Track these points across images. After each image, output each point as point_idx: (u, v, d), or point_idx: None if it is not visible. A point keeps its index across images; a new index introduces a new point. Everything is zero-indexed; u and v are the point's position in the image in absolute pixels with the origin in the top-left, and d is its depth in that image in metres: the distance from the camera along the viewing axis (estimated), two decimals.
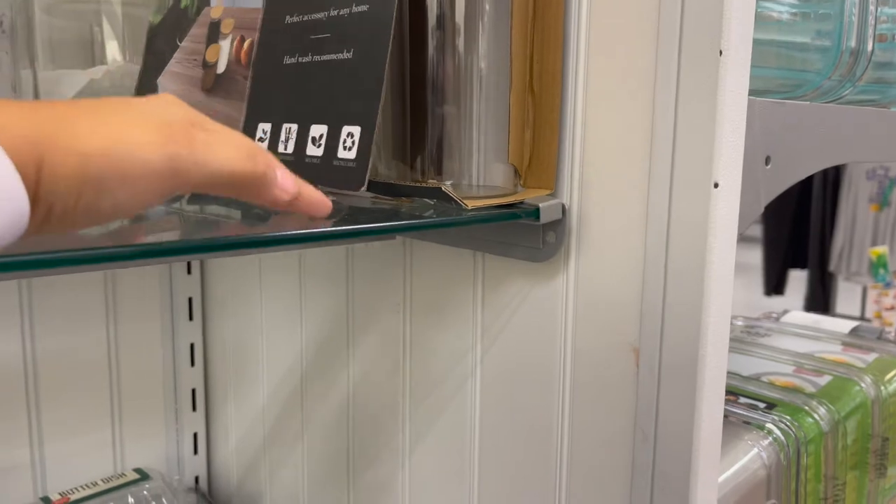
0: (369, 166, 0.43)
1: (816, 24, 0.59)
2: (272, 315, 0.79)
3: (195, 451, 0.94)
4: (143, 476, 0.83)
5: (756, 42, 0.42)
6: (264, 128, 0.50)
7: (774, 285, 3.26)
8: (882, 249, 2.79)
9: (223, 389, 0.91)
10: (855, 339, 0.86)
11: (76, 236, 0.33)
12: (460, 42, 0.49)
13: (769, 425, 0.59)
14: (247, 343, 0.84)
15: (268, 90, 0.51)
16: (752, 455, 0.56)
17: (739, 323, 0.91)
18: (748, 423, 0.60)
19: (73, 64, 0.71)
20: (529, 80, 0.48)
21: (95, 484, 0.81)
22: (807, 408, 0.64)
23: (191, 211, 0.53)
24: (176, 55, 0.59)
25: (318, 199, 0.33)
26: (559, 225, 0.48)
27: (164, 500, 0.82)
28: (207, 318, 0.92)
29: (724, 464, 0.54)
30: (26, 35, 0.64)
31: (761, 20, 0.55)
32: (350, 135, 0.44)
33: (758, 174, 0.47)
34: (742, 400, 0.64)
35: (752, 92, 0.43)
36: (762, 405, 0.63)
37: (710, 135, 0.41)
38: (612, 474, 0.49)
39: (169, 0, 0.63)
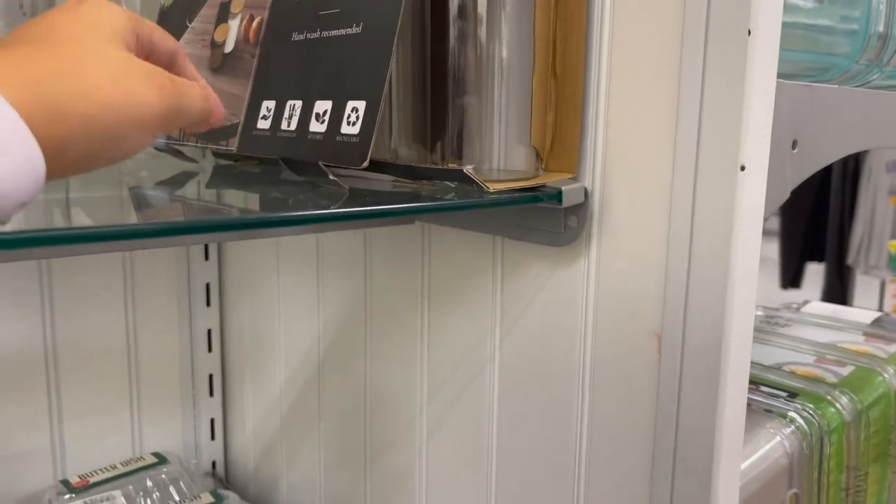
0: (373, 142, 0.42)
1: (844, 8, 0.58)
2: (289, 301, 0.79)
3: (212, 437, 0.94)
4: (161, 460, 0.84)
5: (782, 24, 0.42)
6: (268, 105, 0.50)
7: (791, 278, 3.23)
8: None
9: (240, 375, 0.91)
10: (877, 329, 0.84)
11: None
12: (482, 29, 0.49)
13: (792, 414, 0.59)
14: (264, 329, 0.84)
15: (274, 68, 0.51)
16: (775, 443, 0.56)
17: (759, 313, 0.90)
18: (770, 411, 0.59)
19: None
20: (552, 63, 0.47)
21: (114, 467, 0.82)
22: (829, 397, 0.63)
23: (208, 199, 0.53)
24: (185, 36, 0.59)
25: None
26: (581, 209, 0.48)
27: (181, 483, 0.82)
28: (225, 303, 0.92)
29: (746, 452, 0.54)
30: None
31: (788, 2, 0.54)
32: (354, 109, 0.43)
33: (785, 158, 0.46)
34: (763, 389, 0.64)
35: (778, 75, 0.43)
36: (784, 394, 0.63)
37: (737, 116, 0.40)
38: (632, 461, 0.48)
39: None
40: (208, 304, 0.91)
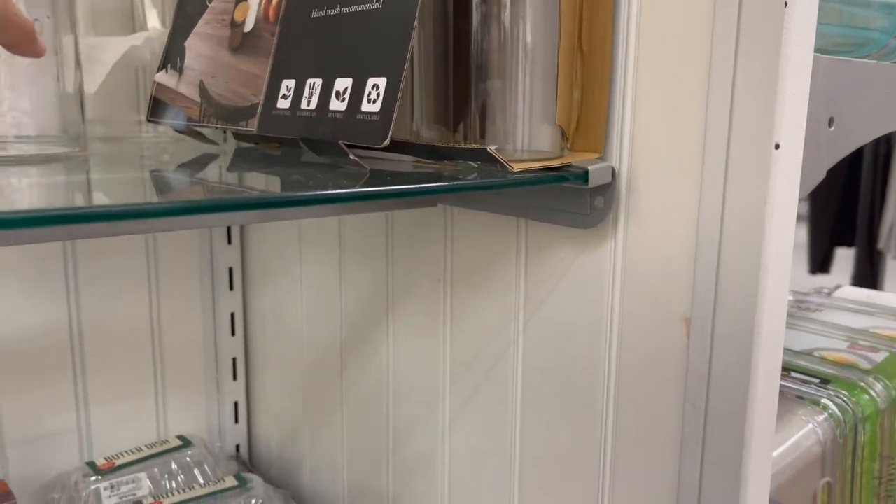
0: (394, 120, 0.41)
1: None
2: (311, 285, 0.79)
3: (236, 420, 0.94)
4: (186, 443, 0.84)
5: None
6: (288, 84, 0.49)
7: (820, 263, 3.18)
8: None
9: (263, 359, 0.91)
10: None
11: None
12: (506, 5, 0.47)
13: (825, 401, 0.57)
14: (286, 313, 0.84)
15: (294, 46, 0.50)
16: (807, 431, 0.54)
17: (789, 298, 0.88)
18: (802, 398, 0.58)
19: (115, 31, 0.71)
20: (578, 38, 0.46)
21: (139, 450, 0.82)
22: (863, 384, 0.61)
23: (229, 181, 0.52)
24: (205, 16, 0.58)
25: None
26: (608, 189, 0.46)
27: (206, 466, 0.83)
28: (248, 287, 0.92)
29: (778, 439, 0.52)
30: (68, 1, 0.64)
31: None
32: (375, 87, 0.42)
33: (821, 136, 0.44)
34: (795, 375, 0.62)
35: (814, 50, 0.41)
36: (816, 381, 0.61)
37: (772, 92, 0.39)
38: (659, 448, 0.47)
39: None
40: (231, 287, 0.91)
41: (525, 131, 0.48)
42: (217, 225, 0.86)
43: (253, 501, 0.74)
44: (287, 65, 0.50)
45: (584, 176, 0.44)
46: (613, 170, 0.46)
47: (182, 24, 0.61)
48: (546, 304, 0.53)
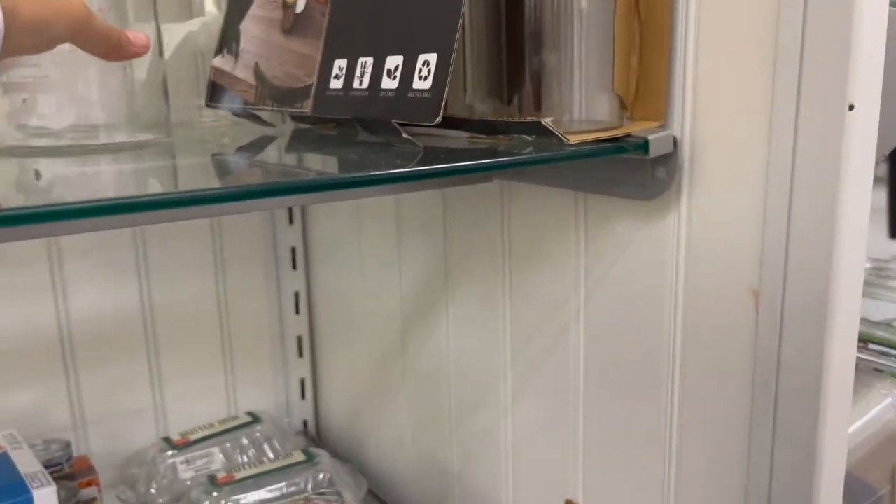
0: (445, 96, 0.40)
1: None
2: (371, 264, 0.79)
3: (302, 396, 0.97)
4: (255, 419, 0.86)
5: None
6: (340, 64, 0.49)
7: None
8: None
9: (328, 336, 0.93)
10: None
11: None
12: None
13: None
14: (348, 291, 0.85)
15: (345, 25, 0.49)
16: (885, 405, 0.52)
17: (867, 265, 0.84)
18: (879, 370, 0.55)
19: (171, 17, 0.72)
20: (635, 1, 0.44)
21: (212, 425, 0.85)
22: None
23: (288, 162, 0.53)
24: None
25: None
26: (670, 159, 0.45)
27: (275, 441, 0.85)
28: (310, 267, 0.93)
29: (854, 414, 0.50)
30: None
31: None
32: (426, 63, 0.42)
33: None
34: (872, 347, 0.59)
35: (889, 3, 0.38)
36: (895, 352, 0.58)
37: (844, 49, 0.36)
38: (728, 425, 0.46)
39: None
40: (294, 267, 0.93)
41: (581, 101, 0.47)
42: (277, 207, 0.87)
43: (321, 476, 0.75)
44: (338, 44, 0.50)
45: (644, 146, 0.43)
46: (675, 138, 0.44)
47: (236, 8, 0.62)
48: (607, 279, 0.52)
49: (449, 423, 0.72)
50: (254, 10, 0.59)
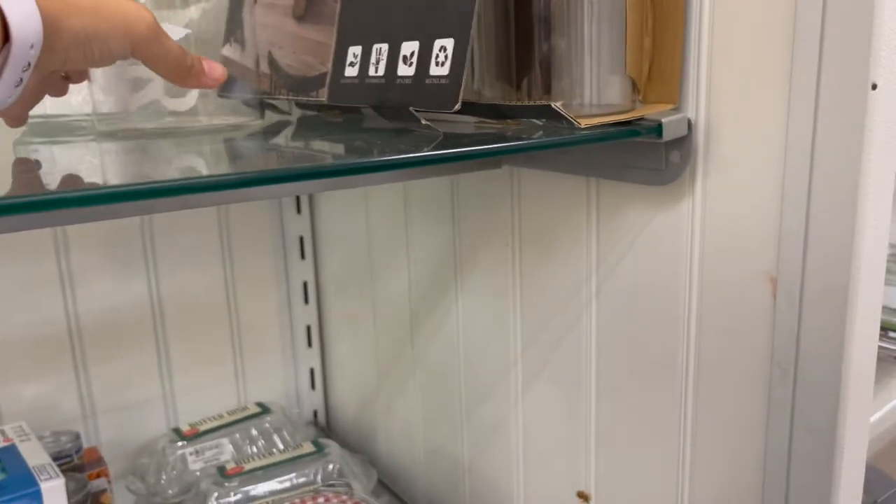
0: (463, 83, 0.39)
1: None
2: (380, 253, 0.79)
3: (312, 387, 0.96)
4: (265, 409, 0.86)
5: None
6: (354, 51, 0.48)
7: None
8: None
9: (336, 326, 0.92)
10: None
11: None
12: None
13: None
14: (356, 280, 0.84)
15: (358, 10, 0.48)
16: None
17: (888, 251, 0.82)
18: None
19: (168, 3, 0.71)
20: None
21: (221, 416, 0.85)
22: None
23: (294, 146, 0.52)
24: None
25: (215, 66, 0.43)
26: (684, 142, 0.43)
27: (284, 432, 0.84)
28: (319, 256, 0.93)
29: (876, 404, 0.49)
30: None
31: None
32: (443, 48, 0.40)
33: None
34: (893, 334, 0.58)
35: None
36: None
37: (867, 25, 0.35)
38: (744, 414, 0.45)
39: None
40: (303, 256, 0.92)
41: (593, 84, 0.46)
42: (283, 194, 0.86)
43: (330, 467, 0.75)
44: (352, 31, 0.49)
45: (657, 129, 0.42)
46: (689, 121, 0.43)
47: None
48: (620, 266, 0.51)
49: (459, 414, 0.71)
50: None
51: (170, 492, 0.76)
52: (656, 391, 0.50)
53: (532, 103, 0.44)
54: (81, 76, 0.47)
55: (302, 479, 0.74)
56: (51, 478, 0.55)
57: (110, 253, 0.81)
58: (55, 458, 0.64)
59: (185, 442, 0.80)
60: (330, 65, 0.50)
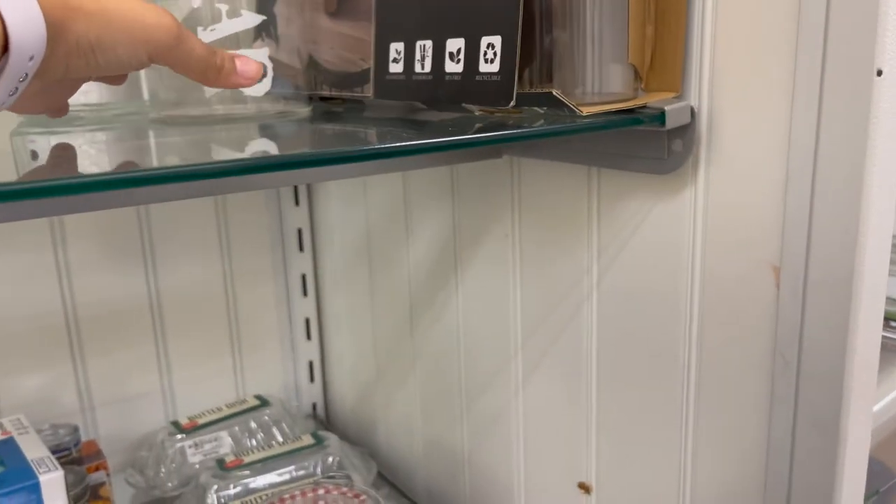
0: (516, 78, 0.39)
1: None
2: (379, 243, 0.78)
3: (311, 379, 0.96)
4: (264, 402, 0.86)
5: None
6: (397, 48, 0.47)
7: None
8: None
9: (335, 319, 0.92)
10: None
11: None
12: None
13: None
14: (356, 272, 0.84)
15: (396, 6, 0.48)
16: None
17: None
18: None
19: None
20: None
21: (220, 409, 0.84)
22: None
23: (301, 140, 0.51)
24: None
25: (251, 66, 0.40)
26: (687, 130, 0.43)
27: (283, 425, 0.84)
28: (317, 248, 0.92)
29: (879, 393, 0.49)
30: None
31: None
32: (490, 45, 0.41)
33: None
34: (895, 324, 0.58)
35: None
36: None
37: (872, 11, 0.35)
38: (747, 404, 0.45)
39: None
40: (301, 249, 0.92)
41: (595, 73, 0.45)
42: (281, 183, 0.86)
43: (330, 459, 0.75)
44: (392, 27, 0.48)
45: (660, 117, 0.41)
46: (692, 109, 0.43)
47: None
48: (621, 256, 0.51)
49: (459, 405, 0.71)
50: None
51: (169, 485, 0.76)
52: (658, 381, 0.50)
53: (533, 91, 0.43)
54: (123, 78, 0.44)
55: (301, 472, 0.73)
56: (49, 470, 0.55)
57: (108, 245, 0.80)
58: (54, 451, 0.63)
59: (184, 435, 0.80)
60: (372, 61, 0.50)
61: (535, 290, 0.59)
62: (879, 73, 0.35)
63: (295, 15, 0.56)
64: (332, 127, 0.50)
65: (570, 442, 0.58)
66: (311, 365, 0.95)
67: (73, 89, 0.40)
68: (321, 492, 0.67)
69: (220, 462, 0.74)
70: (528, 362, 0.61)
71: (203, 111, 0.51)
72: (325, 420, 0.97)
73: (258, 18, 0.51)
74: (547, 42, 0.45)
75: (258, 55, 0.51)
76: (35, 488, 0.54)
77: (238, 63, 0.39)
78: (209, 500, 0.69)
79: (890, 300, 0.65)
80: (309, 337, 0.94)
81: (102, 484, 0.72)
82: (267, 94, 0.60)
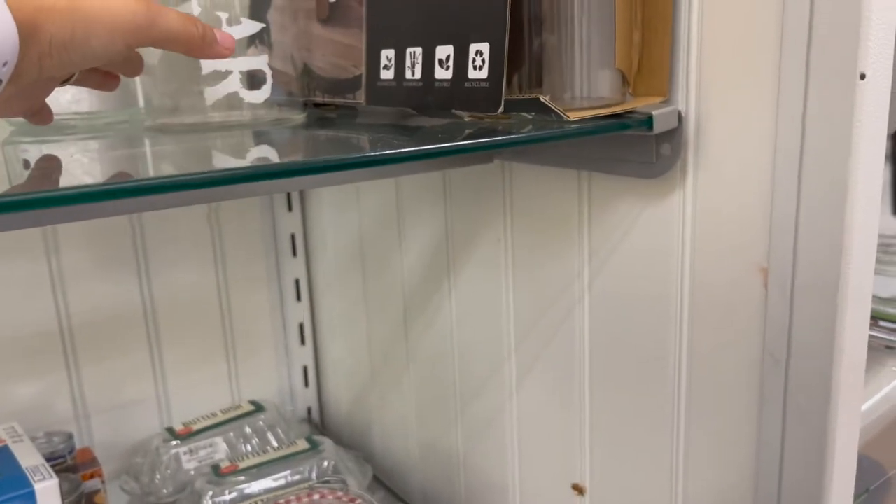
0: (504, 85, 0.39)
1: None
2: (372, 248, 0.78)
3: (306, 384, 0.96)
4: (258, 408, 0.86)
5: None
6: (388, 55, 0.48)
7: None
8: None
9: (329, 323, 0.92)
10: None
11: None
12: None
13: None
14: (349, 276, 0.84)
15: (386, 13, 0.48)
16: None
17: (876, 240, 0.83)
18: (891, 347, 0.54)
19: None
20: None
21: (215, 415, 0.85)
22: None
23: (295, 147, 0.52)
24: None
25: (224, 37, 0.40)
26: (675, 135, 0.44)
27: (278, 430, 0.84)
28: (310, 253, 0.92)
29: (867, 392, 0.49)
30: None
31: None
32: (479, 52, 0.41)
33: None
34: (883, 324, 0.58)
35: None
36: None
37: (855, 15, 0.35)
38: (737, 405, 0.45)
39: None
40: (294, 254, 0.92)
41: (583, 78, 0.46)
42: (273, 190, 0.86)
43: (325, 464, 0.75)
44: (382, 34, 0.49)
45: (648, 122, 0.42)
46: (680, 113, 0.43)
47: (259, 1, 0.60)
48: (612, 260, 0.51)
49: (454, 409, 0.71)
50: (278, 1, 0.58)
51: (164, 491, 0.76)
52: (649, 383, 0.50)
53: (521, 97, 0.44)
54: (133, 71, 0.44)
55: (297, 477, 0.74)
56: (44, 478, 0.55)
57: (101, 253, 0.80)
58: (48, 459, 0.63)
59: (178, 441, 0.80)
60: (363, 68, 0.51)
61: (528, 294, 0.59)
62: (863, 76, 0.36)
63: (288, 22, 0.56)
64: (326, 133, 0.51)
65: (563, 444, 0.59)
66: (305, 370, 0.96)
67: (49, 90, 0.40)
68: (317, 496, 0.68)
69: (216, 468, 0.74)
70: (522, 365, 0.61)
71: (199, 118, 0.51)
72: (319, 425, 0.97)
73: (258, 26, 0.51)
74: (536, 47, 0.46)
75: (257, 62, 0.51)
76: (30, 497, 0.54)
77: (217, 34, 0.39)
78: None
79: (877, 299, 0.66)
80: (303, 342, 0.95)
81: (97, 491, 0.72)
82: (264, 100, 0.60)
